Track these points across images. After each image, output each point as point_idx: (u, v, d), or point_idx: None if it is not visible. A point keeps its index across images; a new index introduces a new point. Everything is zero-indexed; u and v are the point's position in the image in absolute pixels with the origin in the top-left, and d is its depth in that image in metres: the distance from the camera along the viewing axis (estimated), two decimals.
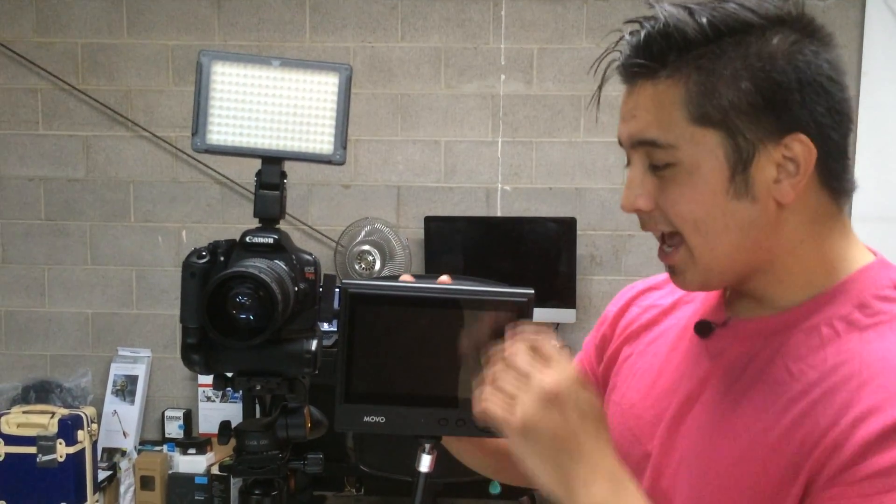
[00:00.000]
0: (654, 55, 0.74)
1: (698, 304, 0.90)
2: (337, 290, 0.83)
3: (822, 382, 0.72)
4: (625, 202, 0.79)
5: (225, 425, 0.84)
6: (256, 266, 0.73)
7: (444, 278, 0.79)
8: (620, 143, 0.81)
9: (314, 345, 0.79)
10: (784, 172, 0.73)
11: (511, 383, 0.69)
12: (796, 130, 0.72)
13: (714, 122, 0.73)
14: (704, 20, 0.72)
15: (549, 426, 0.67)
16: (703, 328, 0.83)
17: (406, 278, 0.79)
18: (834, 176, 0.76)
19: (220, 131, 0.79)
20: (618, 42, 0.79)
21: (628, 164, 0.80)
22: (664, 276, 0.96)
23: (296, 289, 0.78)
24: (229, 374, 0.81)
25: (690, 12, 0.73)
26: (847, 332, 0.74)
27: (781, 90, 0.72)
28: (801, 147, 0.72)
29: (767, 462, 0.73)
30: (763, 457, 0.73)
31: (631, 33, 0.77)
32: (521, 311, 0.81)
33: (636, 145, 0.77)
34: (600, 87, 0.81)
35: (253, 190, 0.83)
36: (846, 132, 0.76)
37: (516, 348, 0.70)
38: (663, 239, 0.80)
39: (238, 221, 3.13)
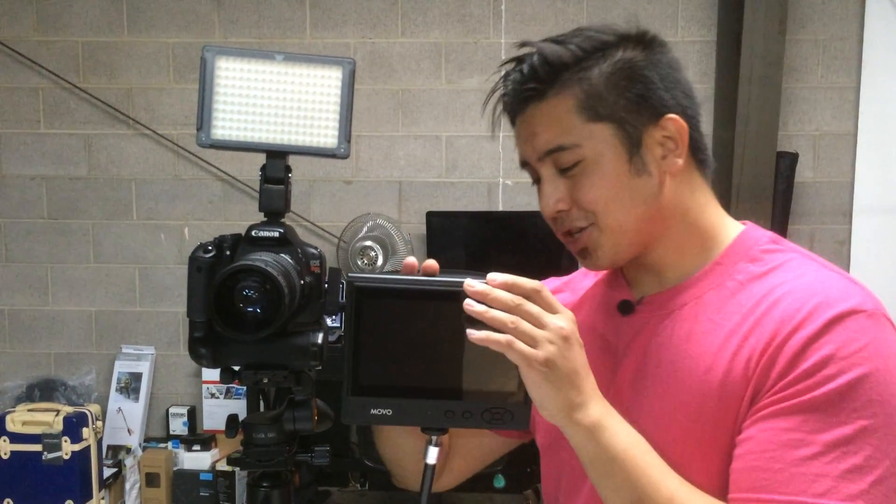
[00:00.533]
0: (541, 78, 0.89)
1: (600, 297, 1.03)
2: (342, 284, 0.84)
3: (746, 321, 0.86)
4: (547, 209, 0.92)
5: (232, 419, 0.84)
6: (263, 259, 0.73)
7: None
8: (524, 165, 0.96)
9: (320, 338, 0.80)
10: (666, 149, 0.90)
11: (528, 327, 0.77)
12: (666, 112, 0.90)
13: (605, 116, 0.88)
14: (573, 46, 0.89)
15: (565, 362, 0.77)
16: (626, 306, 0.97)
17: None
18: (699, 148, 0.94)
19: (225, 126, 0.79)
20: (502, 78, 0.93)
21: (535, 181, 0.94)
22: (559, 280, 1.14)
23: (301, 282, 0.78)
24: (236, 368, 0.81)
25: (560, 42, 0.90)
26: (749, 282, 0.89)
27: (648, 83, 0.89)
28: (674, 124, 0.90)
29: (721, 398, 0.85)
30: (716, 395, 0.85)
31: (514, 68, 0.92)
32: None
33: (544, 157, 0.91)
34: (495, 118, 0.97)
35: (255, 186, 0.83)
36: (698, 109, 0.94)
37: (521, 299, 0.78)
38: (569, 233, 0.94)
39: (240, 218, 3.13)
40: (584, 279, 1.10)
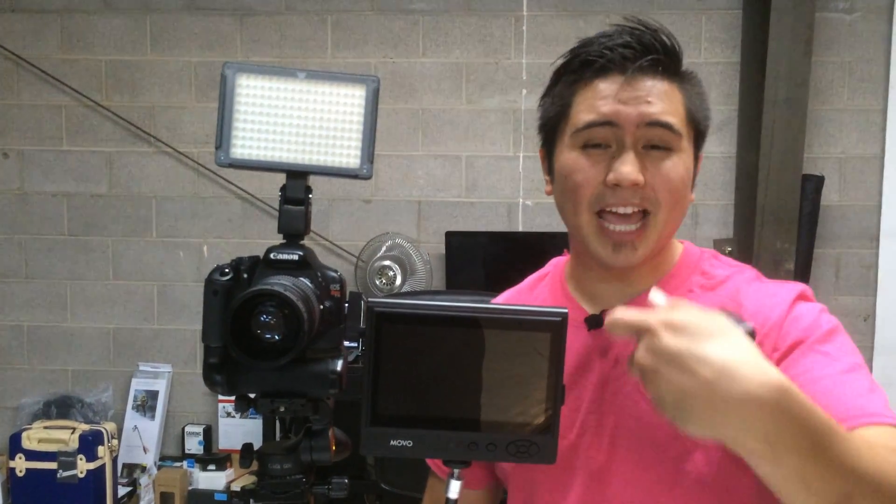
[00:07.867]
0: (671, 56, 0.92)
1: None
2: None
3: None
4: (631, 175, 0.89)
5: (247, 448, 0.81)
6: (281, 284, 0.71)
7: None
8: (610, 123, 0.91)
9: (339, 365, 0.77)
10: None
11: None
12: (701, 151, 0.99)
13: (694, 126, 0.95)
14: (678, 45, 0.93)
15: None
16: (595, 320, 0.98)
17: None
18: None
19: (245, 145, 0.77)
20: (610, 36, 0.93)
21: (589, 146, 0.92)
22: (513, 291, 1.18)
23: (321, 307, 0.75)
24: (252, 395, 0.78)
25: (671, 37, 0.93)
26: (703, 291, 0.98)
27: (708, 124, 0.98)
28: (700, 161, 0.99)
29: None
30: None
31: (634, 34, 0.92)
32: (555, 331, 0.79)
33: (646, 126, 0.90)
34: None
35: (274, 205, 0.81)
36: None
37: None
38: (621, 216, 0.93)
39: (259, 237, 3.12)
40: (530, 294, 1.13)
